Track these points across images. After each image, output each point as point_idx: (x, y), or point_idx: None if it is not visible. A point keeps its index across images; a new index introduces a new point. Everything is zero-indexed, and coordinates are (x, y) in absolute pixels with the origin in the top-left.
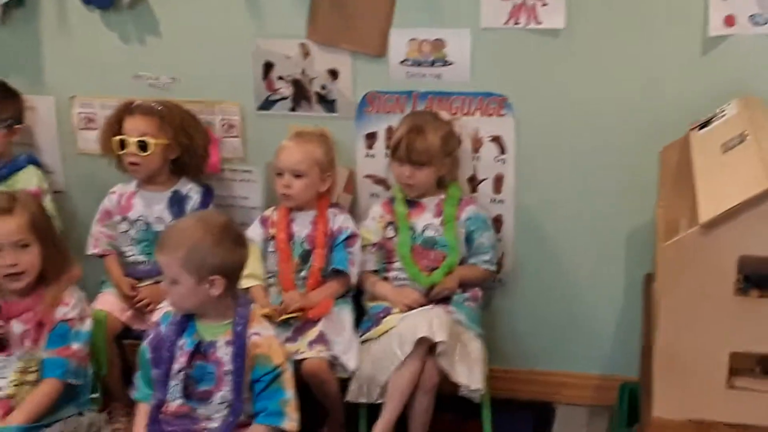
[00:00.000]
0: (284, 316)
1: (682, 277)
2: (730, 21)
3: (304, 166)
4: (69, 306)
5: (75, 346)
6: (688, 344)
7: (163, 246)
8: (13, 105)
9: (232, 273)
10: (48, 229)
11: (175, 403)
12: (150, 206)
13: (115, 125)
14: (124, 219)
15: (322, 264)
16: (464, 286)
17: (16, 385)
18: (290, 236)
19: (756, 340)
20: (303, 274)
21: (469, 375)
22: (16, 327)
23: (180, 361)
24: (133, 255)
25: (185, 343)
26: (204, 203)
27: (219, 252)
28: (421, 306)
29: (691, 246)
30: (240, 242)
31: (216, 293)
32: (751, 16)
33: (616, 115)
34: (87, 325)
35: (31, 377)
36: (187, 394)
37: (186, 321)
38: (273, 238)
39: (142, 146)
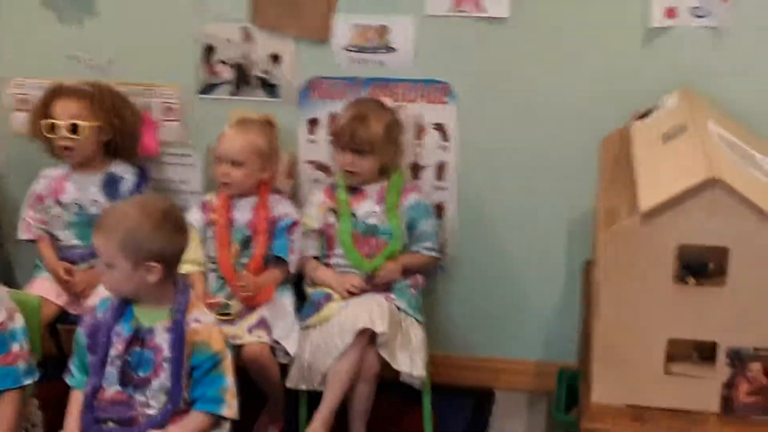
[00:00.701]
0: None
1: (622, 264)
2: (671, 13)
3: (243, 156)
4: None
5: (15, 347)
6: (627, 331)
7: (101, 228)
8: None
9: (170, 259)
10: None
11: (111, 389)
12: (83, 189)
13: (44, 108)
14: (57, 203)
15: (264, 250)
16: (407, 272)
17: None
18: (230, 222)
19: (693, 327)
20: (243, 260)
21: (411, 362)
22: None
23: (117, 348)
24: (67, 239)
25: (123, 329)
26: (138, 185)
27: (158, 238)
28: (363, 291)
29: (631, 234)
30: (181, 229)
31: (153, 280)
32: (692, 8)
33: (558, 104)
34: (18, 320)
35: None
36: (124, 380)
37: (124, 306)
38: (213, 223)
39: (74, 130)
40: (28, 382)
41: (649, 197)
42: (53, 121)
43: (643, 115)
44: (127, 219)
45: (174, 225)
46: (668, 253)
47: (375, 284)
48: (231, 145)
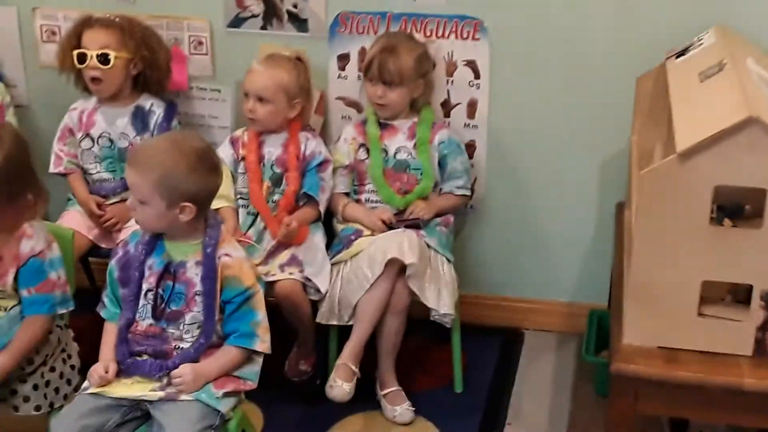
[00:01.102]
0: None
1: (657, 205)
2: None
3: (269, 92)
4: (33, 238)
5: (53, 275)
6: (660, 272)
7: (136, 164)
8: None
9: (204, 200)
10: (19, 181)
11: (144, 323)
12: (113, 122)
13: (74, 39)
14: (87, 136)
15: (296, 187)
16: (440, 213)
17: None
18: (260, 158)
19: (728, 270)
20: (275, 197)
21: (439, 299)
22: None
23: (149, 281)
24: (97, 172)
25: (154, 263)
26: (168, 117)
27: (193, 179)
28: (393, 226)
29: (667, 175)
30: (215, 169)
31: (185, 219)
32: None
33: (592, 42)
34: (55, 250)
35: (3, 303)
36: (157, 314)
37: (155, 240)
38: (243, 159)
39: (104, 60)
40: (62, 311)
41: (685, 137)
42: (83, 50)
43: (679, 54)
44: (164, 159)
45: (209, 166)
46: (704, 194)
47: (405, 221)
48: (257, 80)
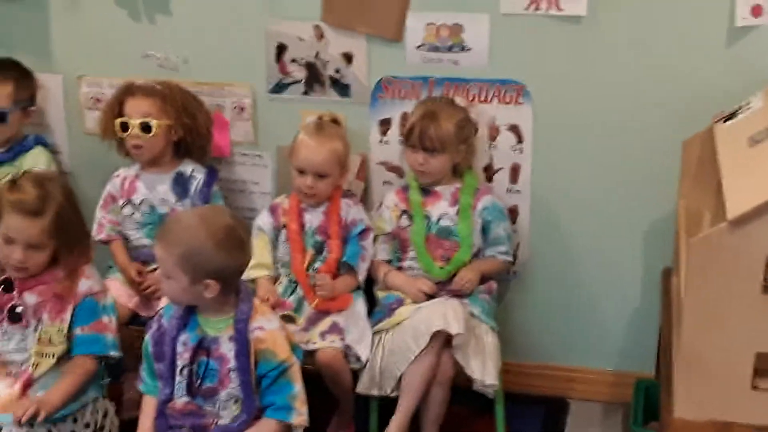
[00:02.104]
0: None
1: (708, 274)
2: (757, 11)
3: (328, 167)
4: (92, 279)
5: (105, 318)
6: (712, 343)
7: (162, 238)
8: (28, 86)
9: (229, 277)
10: (72, 230)
11: (180, 400)
12: (153, 188)
13: (116, 107)
14: (129, 202)
15: (338, 255)
16: (483, 279)
17: (37, 356)
18: (302, 226)
19: None
20: (317, 265)
21: (483, 370)
22: (29, 299)
23: (183, 357)
24: (138, 238)
25: (188, 339)
26: (208, 183)
27: (218, 257)
28: (434, 295)
29: (718, 242)
30: (242, 246)
31: (209, 296)
32: None
33: (638, 105)
34: (110, 298)
35: (50, 350)
36: (192, 391)
37: (188, 314)
38: (284, 227)
39: (145, 128)
40: (113, 353)
41: (737, 204)
42: (125, 119)
43: (728, 117)
44: (190, 235)
45: (236, 243)
46: (757, 262)
47: (451, 291)
48: (315, 157)
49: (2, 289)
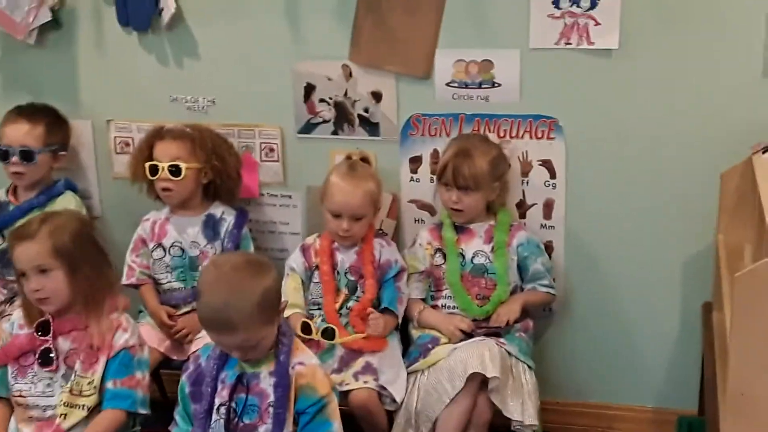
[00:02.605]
0: (338, 340)
1: (754, 309)
2: None
3: (364, 209)
4: (128, 332)
5: (139, 374)
6: (760, 382)
7: (229, 327)
8: (61, 131)
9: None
10: (80, 251)
11: None
12: (184, 231)
13: (146, 151)
14: (159, 245)
15: (373, 295)
16: (523, 313)
17: (66, 406)
18: (334, 266)
19: None
20: (350, 304)
21: (523, 410)
22: (63, 344)
23: (222, 395)
24: (168, 282)
25: (226, 376)
26: (238, 225)
27: (274, 284)
28: (471, 334)
29: (764, 277)
30: (269, 269)
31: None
32: None
33: (672, 138)
34: (146, 354)
35: (81, 401)
36: (230, 429)
37: (227, 353)
38: (317, 267)
39: (175, 171)
40: (142, 411)
41: None
42: (155, 162)
43: (766, 149)
44: (244, 311)
45: (266, 269)
46: None
47: (487, 328)
48: (350, 201)
49: (38, 333)
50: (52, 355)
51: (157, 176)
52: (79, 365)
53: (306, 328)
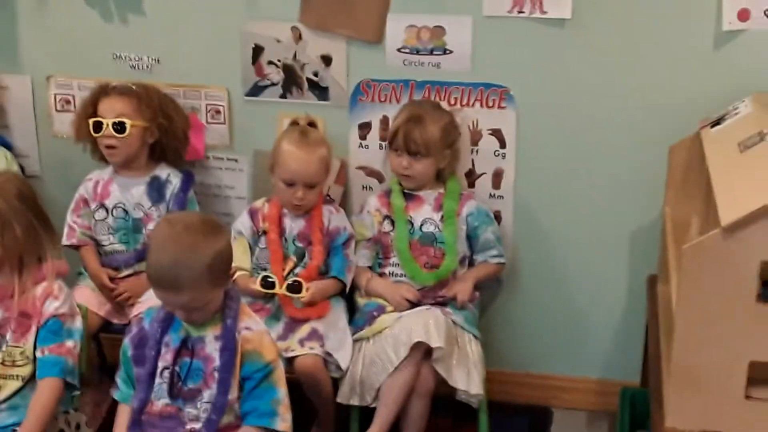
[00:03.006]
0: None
1: (701, 282)
2: (744, 15)
3: (318, 176)
4: (60, 300)
5: (69, 343)
6: (705, 353)
7: (180, 285)
8: None
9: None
10: (13, 212)
11: (159, 402)
12: (128, 192)
13: (90, 108)
14: (101, 206)
15: (320, 262)
16: (477, 286)
17: (1, 379)
18: (281, 233)
19: None
20: (297, 271)
21: (468, 380)
22: None
23: (165, 359)
24: (110, 244)
25: (171, 340)
26: (184, 188)
27: (227, 248)
28: (419, 302)
29: (711, 249)
30: (223, 232)
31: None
32: (766, 10)
33: (623, 110)
34: (78, 323)
35: (16, 371)
36: (173, 393)
37: (171, 316)
38: (264, 233)
39: (119, 128)
40: (69, 379)
41: (729, 211)
42: (98, 119)
43: (715, 123)
44: (194, 275)
45: (218, 227)
46: (751, 269)
47: (436, 297)
48: (305, 169)
49: None
50: None
51: (101, 133)
52: (11, 335)
53: (267, 284)
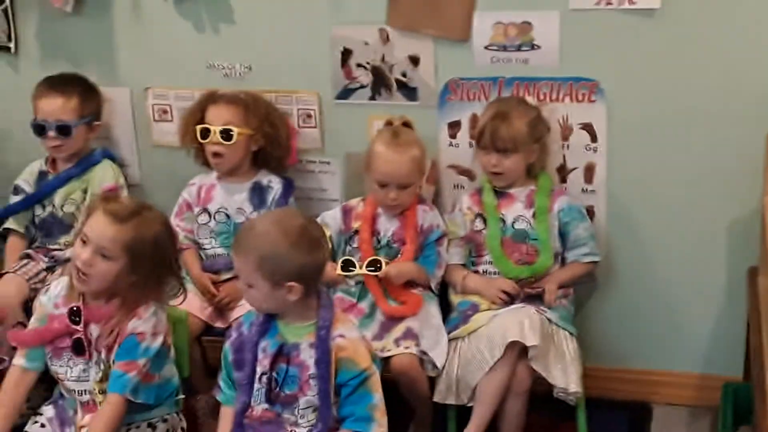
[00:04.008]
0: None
1: None
2: None
3: (412, 177)
4: (141, 319)
5: (141, 361)
6: None
7: (238, 247)
8: (94, 101)
9: (310, 277)
10: (149, 257)
11: (259, 407)
12: (231, 197)
13: (198, 114)
14: (204, 210)
15: (410, 259)
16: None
17: (102, 393)
18: (375, 233)
19: None
20: None
21: (565, 377)
22: (94, 331)
23: (263, 364)
24: (212, 248)
25: (268, 345)
26: (285, 194)
27: (296, 257)
28: (514, 299)
29: None
30: (319, 245)
31: (293, 299)
32: None
33: (716, 99)
34: (158, 342)
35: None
36: (271, 398)
37: (268, 321)
38: (356, 232)
39: (226, 135)
40: (128, 396)
41: None
42: (206, 126)
43: None
44: (264, 240)
45: (311, 242)
46: None
47: (529, 295)
48: (398, 170)
49: (70, 319)
50: (84, 344)
51: (208, 140)
52: (105, 353)
53: (348, 264)
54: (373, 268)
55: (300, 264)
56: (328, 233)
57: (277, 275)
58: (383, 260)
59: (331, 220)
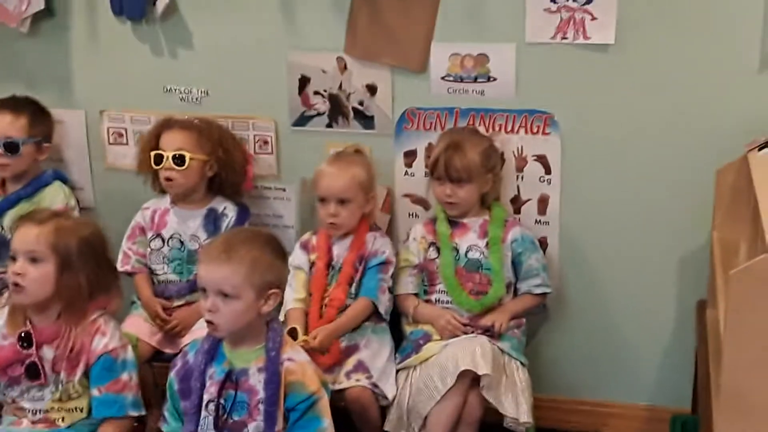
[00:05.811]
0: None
1: (749, 307)
2: None
3: (350, 192)
4: (107, 335)
5: (125, 376)
6: (755, 380)
7: (227, 258)
8: (43, 124)
9: (282, 287)
10: (78, 257)
11: None
12: (185, 223)
13: (153, 141)
14: (158, 235)
15: (347, 281)
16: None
17: (60, 411)
18: (329, 262)
19: None
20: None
21: (516, 407)
22: (47, 353)
23: (210, 392)
24: (164, 273)
25: (215, 372)
26: (240, 221)
27: (277, 264)
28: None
29: (760, 274)
30: (286, 256)
31: (268, 310)
32: None
33: (668, 134)
34: (130, 352)
35: (73, 404)
36: (219, 425)
37: (215, 348)
38: (313, 264)
39: (179, 161)
40: (132, 413)
41: None
42: (159, 151)
43: (762, 146)
44: (251, 246)
45: (283, 250)
46: None
47: (480, 327)
48: (335, 183)
49: (21, 345)
50: (38, 367)
51: (161, 165)
52: (64, 374)
53: (291, 333)
54: (293, 337)
55: (281, 270)
56: (301, 274)
57: (264, 283)
58: (298, 329)
59: (299, 261)
